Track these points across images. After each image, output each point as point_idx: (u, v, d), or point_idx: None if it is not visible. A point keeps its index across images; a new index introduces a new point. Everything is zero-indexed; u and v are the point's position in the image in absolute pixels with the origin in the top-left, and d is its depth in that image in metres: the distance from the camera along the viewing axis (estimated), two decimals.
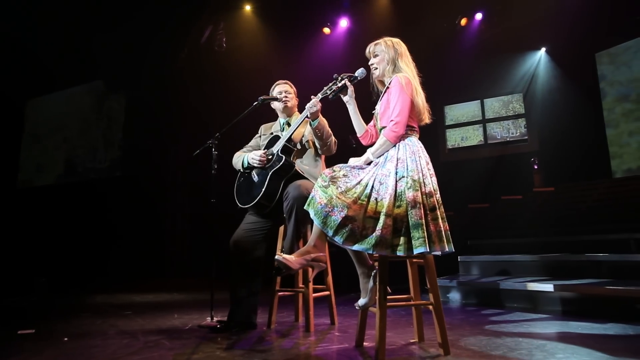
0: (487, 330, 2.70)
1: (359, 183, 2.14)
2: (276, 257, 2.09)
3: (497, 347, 2.25)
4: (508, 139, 8.48)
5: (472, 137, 8.91)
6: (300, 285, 3.04)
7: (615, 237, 4.33)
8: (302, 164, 2.88)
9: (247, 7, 7.52)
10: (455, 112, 9.09)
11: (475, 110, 8.87)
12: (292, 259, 2.08)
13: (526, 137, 8.36)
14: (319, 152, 2.88)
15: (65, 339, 2.57)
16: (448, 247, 2.05)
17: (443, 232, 2.06)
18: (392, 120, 2.18)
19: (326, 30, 7.75)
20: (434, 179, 2.16)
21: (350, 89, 2.40)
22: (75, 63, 8.35)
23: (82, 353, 2.24)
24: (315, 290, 2.88)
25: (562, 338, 2.47)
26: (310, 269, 2.31)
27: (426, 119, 2.30)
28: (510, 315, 3.21)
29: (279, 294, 2.95)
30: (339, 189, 2.13)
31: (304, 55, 7.74)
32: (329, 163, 2.96)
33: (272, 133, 3.08)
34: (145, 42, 7.50)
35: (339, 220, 2.06)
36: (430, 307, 2.15)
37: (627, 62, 7.39)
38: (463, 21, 7.61)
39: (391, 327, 2.73)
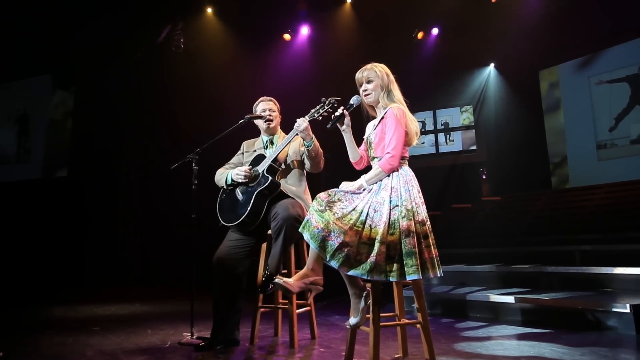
0: (462, 344, 2.91)
1: (354, 209, 2.26)
2: (276, 280, 2.17)
3: None
4: (459, 150, 8.96)
5: (424, 146, 9.32)
6: (281, 300, 3.13)
7: (562, 249, 4.75)
8: (287, 184, 2.96)
9: (209, 10, 7.44)
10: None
11: (428, 120, 9.28)
12: (292, 283, 2.17)
13: (475, 148, 8.87)
14: (307, 170, 2.97)
15: None
16: (439, 272, 2.22)
17: (435, 259, 2.22)
18: (388, 153, 2.31)
19: (286, 36, 7.82)
20: (424, 207, 2.32)
21: (347, 118, 2.51)
22: (23, 57, 7.91)
23: None
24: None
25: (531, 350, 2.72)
26: (308, 292, 2.40)
27: (414, 142, 2.45)
28: (476, 325, 3.46)
29: (261, 310, 3.02)
30: (336, 214, 2.24)
31: (265, 59, 7.78)
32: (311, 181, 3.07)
33: (254, 150, 3.14)
34: (100, 38, 7.24)
35: (336, 245, 2.17)
36: (418, 325, 2.31)
37: (567, 81, 8.02)
38: (420, 35, 7.95)
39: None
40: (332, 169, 4.54)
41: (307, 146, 2.79)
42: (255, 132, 3.29)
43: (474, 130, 8.93)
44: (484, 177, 8.21)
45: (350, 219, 2.22)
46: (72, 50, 7.68)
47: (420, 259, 2.18)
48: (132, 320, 3.90)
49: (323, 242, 2.18)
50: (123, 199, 7.94)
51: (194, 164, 3.16)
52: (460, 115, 9.08)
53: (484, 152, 8.73)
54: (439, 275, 2.22)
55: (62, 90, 8.55)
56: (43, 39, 7.70)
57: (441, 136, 9.20)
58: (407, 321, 2.38)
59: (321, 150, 2.91)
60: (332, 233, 2.19)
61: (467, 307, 3.87)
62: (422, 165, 9.36)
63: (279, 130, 3.18)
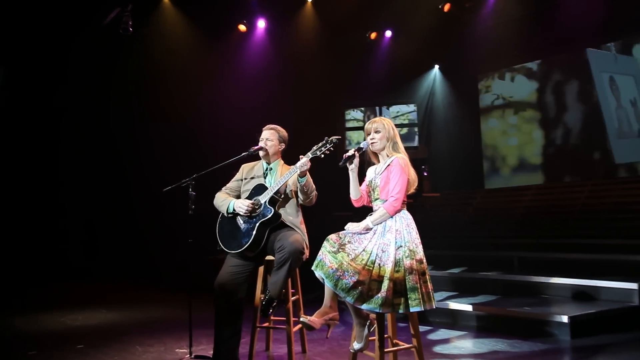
0: (436, 353, 3.42)
1: (364, 250, 2.62)
2: (301, 319, 2.49)
3: None
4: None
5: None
6: (272, 318, 3.44)
7: (502, 255, 5.48)
8: (286, 213, 3.22)
9: None
10: (357, 115, 9.92)
11: (376, 115, 9.80)
12: (315, 320, 2.51)
13: (416, 145, 9.54)
14: (300, 202, 3.25)
15: None
16: (434, 304, 2.66)
17: (431, 292, 2.65)
18: (392, 197, 2.68)
19: (242, 27, 7.85)
20: (421, 246, 2.73)
21: (357, 159, 2.83)
22: None
23: None
24: (280, 322, 3.34)
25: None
26: (328, 327, 2.74)
27: (413, 189, 2.84)
28: (438, 332, 4.01)
29: (257, 329, 3.31)
30: (349, 256, 2.58)
31: (221, 49, 7.83)
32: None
33: (252, 177, 3.35)
34: (37, 17, 6.82)
35: (351, 284, 2.52)
36: (414, 349, 2.75)
37: (504, 87, 8.84)
38: (373, 35, 8.35)
39: (365, 358, 3.27)
40: None
41: (300, 182, 3.07)
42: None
43: (416, 127, 9.60)
44: (425, 173, 8.92)
45: (362, 260, 2.57)
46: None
47: (421, 293, 2.59)
48: (112, 333, 4.01)
49: (338, 281, 2.52)
50: (58, 190, 7.67)
51: (190, 190, 3.33)
52: (405, 113, 9.70)
53: (425, 149, 9.43)
54: (434, 308, 2.66)
55: None
56: None
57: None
58: (406, 345, 2.81)
59: (314, 186, 3.19)
60: (346, 273, 2.54)
61: (426, 313, 4.40)
62: (367, 159, 9.92)
63: (279, 157, 3.40)
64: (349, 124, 9.95)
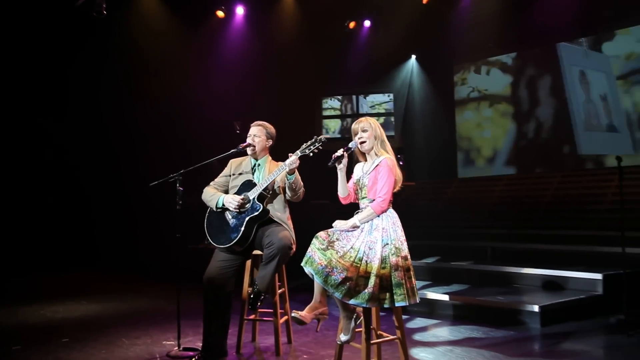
0: (415, 341, 3.60)
1: (352, 247, 2.73)
2: (293, 314, 2.60)
3: (443, 355, 3.15)
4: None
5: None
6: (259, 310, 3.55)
7: (476, 245, 5.72)
8: (274, 209, 3.31)
9: None
10: (334, 104, 10.00)
11: (353, 104, 9.91)
12: (305, 315, 2.62)
13: (393, 134, 9.71)
14: (288, 199, 3.34)
15: None
16: (417, 299, 2.81)
17: (414, 288, 2.80)
18: (380, 197, 2.80)
19: (220, 13, 7.79)
20: (406, 244, 2.87)
21: (345, 159, 2.92)
22: None
23: None
24: (263, 314, 3.47)
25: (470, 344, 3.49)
26: (317, 321, 2.85)
27: (398, 187, 2.97)
28: (415, 321, 4.20)
29: (245, 321, 3.42)
30: (338, 253, 2.70)
31: (200, 34, 7.78)
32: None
33: (241, 173, 3.41)
34: None
35: (339, 280, 2.64)
36: (398, 341, 2.91)
37: (479, 80, 9.06)
38: (352, 24, 8.40)
39: (353, 351, 3.41)
40: None
41: (289, 180, 3.16)
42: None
43: (393, 117, 9.76)
44: (402, 163, 9.11)
45: (350, 257, 2.69)
46: None
47: (406, 288, 2.74)
48: (96, 325, 4.03)
49: (327, 277, 2.64)
50: (35, 181, 7.52)
51: (178, 185, 3.38)
52: (382, 102, 9.83)
53: (400, 139, 9.61)
54: (417, 302, 2.81)
55: None
56: None
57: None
58: (390, 337, 2.96)
59: (302, 183, 3.29)
60: (335, 269, 2.65)
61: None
62: (355, 159, 10.04)
63: (267, 154, 3.47)
64: (325, 113, 10.03)
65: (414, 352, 3.31)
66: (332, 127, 9.99)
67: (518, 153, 8.42)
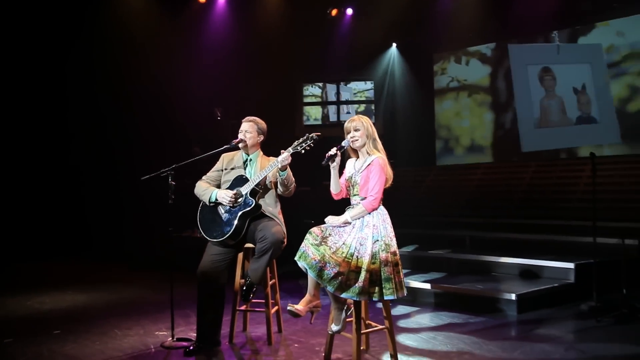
0: (399, 327, 3.79)
1: (344, 243, 2.87)
2: (288, 308, 2.74)
3: (426, 342, 3.34)
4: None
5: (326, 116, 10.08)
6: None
7: (455, 234, 5.95)
8: (266, 204, 3.42)
9: None
10: (315, 91, 10.07)
11: (334, 92, 10.00)
12: (300, 308, 2.77)
13: (373, 122, 9.84)
14: (279, 193, 3.45)
15: None
16: (405, 292, 2.98)
17: (402, 282, 2.97)
18: (371, 196, 2.94)
19: None
20: (395, 239, 3.03)
21: (338, 158, 3.04)
22: None
23: None
24: (254, 305, 3.62)
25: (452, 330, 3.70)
26: (311, 314, 2.99)
27: (389, 184, 3.11)
28: (398, 308, 4.40)
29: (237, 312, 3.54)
30: (331, 249, 2.83)
31: (181, 19, 7.72)
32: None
33: (233, 168, 3.50)
34: None
35: (332, 274, 2.79)
36: (386, 330, 3.08)
37: (459, 70, 9.25)
38: (334, 12, 8.47)
39: (342, 339, 3.57)
40: None
41: (282, 176, 3.27)
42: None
43: (373, 105, 9.90)
44: (392, 161, 9.28)
45: (343, 252, 2.84)
46: None
47: (394, 282, 2.90)
48: (86, 316, 4.10)
49: (320, 272, 2.78)
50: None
51: (170, 180, 3.45)
52: (363, 90, 9.95)
53: (381, 126, 9.77)
54: (405, 295, 2.98)
55: None
56: None
57: (343, 107, 10.02)
58: (379, 327, 3.13)
59: (293, 179, 3.40)
60: (328, 264, 2.79)
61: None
62: (324, 134, 10.15)
63: (258, 148, 3.56)
64: (307, 99, 10.10)
65: (399, 339, 3.49)
66: (313, 114, 10.07)
67: (495, 142, 8.68)
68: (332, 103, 10.00)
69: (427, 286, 4.56)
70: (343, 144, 3.08)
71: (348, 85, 9.94)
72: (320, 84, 10.06)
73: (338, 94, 9.98)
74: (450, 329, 3.76)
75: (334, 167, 3.06)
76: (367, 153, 3.06)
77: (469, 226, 6.19)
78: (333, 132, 9.98)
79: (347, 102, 9.97)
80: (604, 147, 7.43)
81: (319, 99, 10.11)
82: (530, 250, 5.20)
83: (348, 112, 9.94)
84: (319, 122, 10.06)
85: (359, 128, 3.05)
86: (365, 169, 3.02)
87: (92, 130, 7.74)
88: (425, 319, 4.11)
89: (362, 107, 9.89)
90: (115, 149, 7.70)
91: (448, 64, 9.41)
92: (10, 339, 3.51)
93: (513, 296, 4.10)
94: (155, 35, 7.46)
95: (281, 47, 8.40)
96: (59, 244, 7.13)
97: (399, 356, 3.06)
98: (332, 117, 10.01)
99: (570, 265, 4.48)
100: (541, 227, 5.70)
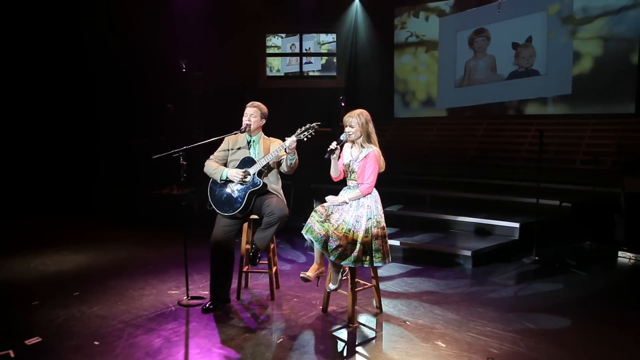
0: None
1: (343, 221, 3.56)
2: (301, 275, 3.44)
3: (400, 287, 4.17)
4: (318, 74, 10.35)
5: (290, 68, 10.42)
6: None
7: (417, 192, 6.80)
8: (269, 182, 4.01)
9: None
10: (277, 42, 10.33)
11: (296, 43, 10.30)
12: (310, 275, 3.49)
13: (335, 74, 10.34)
14: (282, 171, 4.03)
15: (96, 342, 3.34)
16: (390, 259, 3.73)
17: (388, 251, 3.72)
18: (367, 183, 3.60)
19: None
20: (383, 216, 3.74)
21: (338, 150, 3.65)
22: None
23: None
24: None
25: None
26: (317, 278, 3.69)
27: (382, 170, 3.78)
28: None
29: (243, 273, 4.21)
30: (333, 225, 3.52)
31: None
32: None
33: (239, 148, 4.02)
34: None
35: (334, 246, 3.49)
36: (373, 287, 3.87)
37: (418, 25, 9.80)
38: None
39: (335, 295, 4.31)
40: None
41: (291, 160, 3.85)
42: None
43: (335, 57, 10.33)
44: (343, 104, 9.85)
45: (342, 228, 3.53)
46: None
47: (382, 252, 3.66)
48: (95, 277, 4.59)
49: (325, 244, 3.48)
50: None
51: (181, 160, 3.94)
52: (326, 42, 10.31)
53: (342, 80, 10.29)
54: (390, 262, 3.76)
55: None
56: None
57: (305, 59, 10.39)
58: (368, 285, 3.92)
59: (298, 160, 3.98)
60: (331, 238, 3.49)
61: None
62: (287, 86, 10.54)
63: (260, 131, 4.08)
64: (269, 50, 10.35)
65: None
66: (276, 65, 10.38)
67: (450, 98, 9.48)
68: (294, 55, 10.33)
69: (397, 242, 5.40)
70: (342, 137, 3.68)
71: (311, 38, 10.26)
72: (283, 35, 10.31)
73: (301, 45, 10.30)
74: (418, 279, 4.63)
75: (334, 157, 3.67)
76: (362, 146, 3.68)
77: (427, 184, 7.05)
78: (298, 84, 10.44)
79: (310, 54, 10.33)
80: (548, 100, 8.35)
81: (280, 50, 10.39)
82: (483, 209, 6.14)
83: (310, 62, 10.34)
84: (281, 74, 10.41)
85: (354, 125, 3.65)
86: (362, 160, 3.66)
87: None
88: (395, 270, 4.95)
89: (324, 59, 10.30)
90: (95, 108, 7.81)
91: (408, 19, 9.92)
92: (37, 302, 3.99)
93: (469, 253, 5.01)
94: None
95: None
96: (31, 202, 7.36)
97: None
98: (295, 69, 10.39)
99: (516, 225, 5.45)
100: (492, 186, 6.66)
